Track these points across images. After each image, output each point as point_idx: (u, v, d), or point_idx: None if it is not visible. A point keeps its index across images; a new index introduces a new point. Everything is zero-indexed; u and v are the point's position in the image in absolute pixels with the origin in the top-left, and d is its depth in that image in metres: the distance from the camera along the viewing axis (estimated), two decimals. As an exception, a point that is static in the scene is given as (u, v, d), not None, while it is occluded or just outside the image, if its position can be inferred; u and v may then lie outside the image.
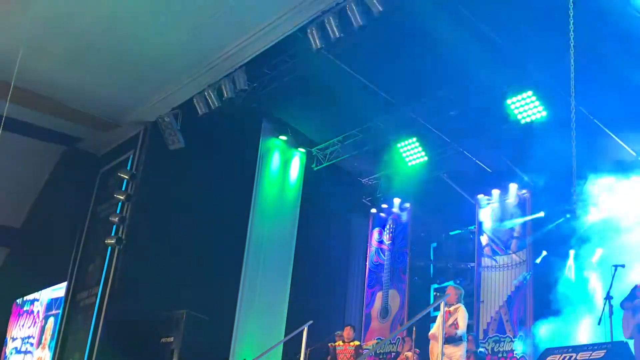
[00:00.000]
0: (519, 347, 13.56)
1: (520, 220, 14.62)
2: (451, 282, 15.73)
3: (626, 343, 6.56)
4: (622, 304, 8.68)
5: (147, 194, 14.05)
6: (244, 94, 13.06)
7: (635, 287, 8.90)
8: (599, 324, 8.32)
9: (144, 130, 14.59)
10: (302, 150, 16.48)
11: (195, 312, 12.97)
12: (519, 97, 12.89)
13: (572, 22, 9.20)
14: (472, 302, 14.41)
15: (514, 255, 14.64)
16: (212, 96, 13.01)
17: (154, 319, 12.80)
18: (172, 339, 12.87)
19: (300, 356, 9.16)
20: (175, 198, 13.82)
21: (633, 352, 6.28)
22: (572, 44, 9.43)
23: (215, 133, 14.17)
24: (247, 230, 15.09)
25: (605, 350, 6.08)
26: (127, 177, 14.14)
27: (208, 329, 13.17)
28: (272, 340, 14.14)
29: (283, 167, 16.33)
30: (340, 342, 11.60)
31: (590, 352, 6.13)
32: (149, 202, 13.97)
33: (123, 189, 14.20)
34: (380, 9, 10.22)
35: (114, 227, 13.83)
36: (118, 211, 14.14)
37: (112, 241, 13.58)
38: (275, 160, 16.19)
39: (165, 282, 13.06)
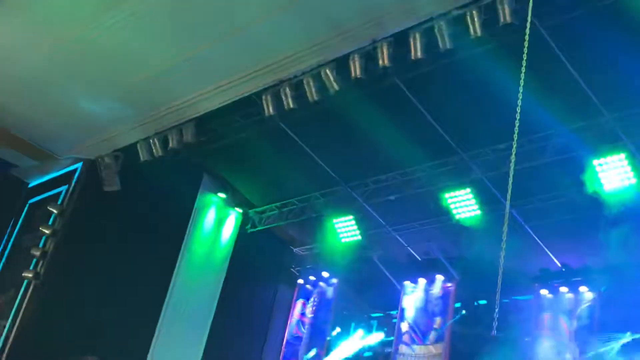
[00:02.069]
0: None
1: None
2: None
3: None
4: None
5: (73, 231, 13.69)
6: (189, 146, 12.97)
7: None
8: None
9: (81, 167, 14.30)
10: (239, 210, 16.39)
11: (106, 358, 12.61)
12: (457, 193, 13.17)
13: (516, 132, 9.58)
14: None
15: (431, 347, 14.69)
16: (157, 144, 12.93)
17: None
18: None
19: None
20: (102, 240, 13.53)
21: None
22: (513, 151, 9.82)
23: (153, 180, 13.94)
24: (170, 284, 14.80)
25: None
26: (56, 211, 13.77)
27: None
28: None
29: (217, 224, 16.19)
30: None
31: None
32: (74, 240, 13.61)
33: (50, 223, 13.80)
34: (337, 88, 10.42)
35: (34, 260, 13.38)
36: (41, 245, 13.69)
37: (30, 275, 13.12)
38: (210, 216, 16.05)
39: (79, 325, 12.67)
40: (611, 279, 12.45)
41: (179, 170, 14.06)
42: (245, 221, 16.54)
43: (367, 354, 16.81)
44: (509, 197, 11.03)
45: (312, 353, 16.16)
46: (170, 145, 12.74)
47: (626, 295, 12.25)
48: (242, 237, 16.32)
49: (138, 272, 13.62)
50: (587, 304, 13.22)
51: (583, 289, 13.39)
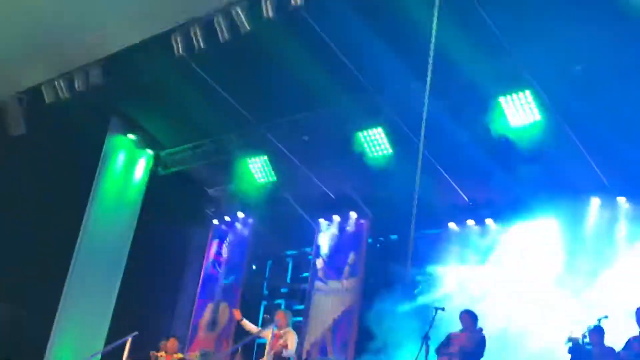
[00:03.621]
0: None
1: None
2: (282, 305, 16.04)
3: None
4: (437, 350, 9.15)
5: (-23, 177, 13.20)
6: (96, 88, 12.61)
7: (449, 335, 9.40)
8: (414, 364, 8.80)
9: (-17, 111, 13.73)
10: (150, 152, 16.13)
11: (14, 305, 12.37)
12: (369, 132, 13.36)
13: (430, 66, 9.74)
14: (301, 323, 14.80)
15: (345, 282, 15.07)
16: (63, 86, 12.50)
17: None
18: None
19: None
20: (8, 185, 13.08)
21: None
22: (427, 88, 10.01)
23: (60, 123, 13.52)
24: (81, 227, 14.56)
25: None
26: (-42, 156, 13.23)
27: (25, 325, 12.59)
28: (93, 343, 13.73)
29: (128, 166, 15.90)
30: (163, 353, 11.40)
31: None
32: (-21, 185, 13.14)
33: (-49, 169, 13.26)
34: (248, 28, 10.30)
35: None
36: (-56, 190, 13.18)
37: None
38: (120, 158, 15.74)
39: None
40: (516, 213, 12.99)
41: (86, 112, 13.69)
42: (157, 163, 16.29)
43: (283, 289, 17.12)
44: (422, 133, 11.38)
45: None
46: (77, 87, 12.34)
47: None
48: (154, 179, 16.10)
49: (47, 217, 13.28)
50: (493, 237, 13.81)
51: (489, 221, 13.97)
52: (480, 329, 9.19)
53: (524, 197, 12.41)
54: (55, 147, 13.59)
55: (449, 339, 9.30)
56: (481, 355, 9.05)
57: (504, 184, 12.65)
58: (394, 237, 15.35)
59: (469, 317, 9.45)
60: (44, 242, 13.26)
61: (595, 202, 12.74)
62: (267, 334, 8.10)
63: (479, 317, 9.56)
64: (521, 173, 11.96)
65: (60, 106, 12.85)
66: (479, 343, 9.08)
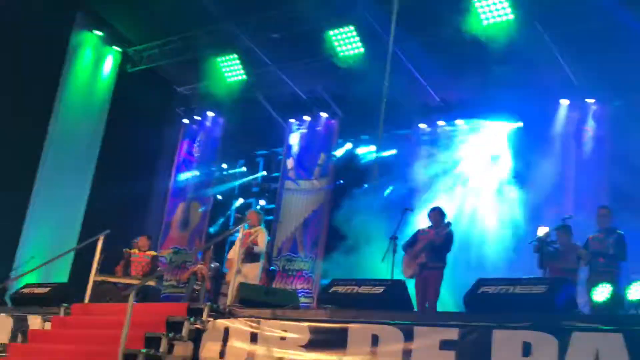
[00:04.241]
0: (307, 267, 14.30)
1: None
2: (253, 204, 16.21)
3: (404, 282, 7.17)
4: (403, 247, 9.29)
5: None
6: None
7: (417, 232, 9.54)
8: (382, 260, 9.00)
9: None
10: (118, 49, 15.78)
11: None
12: (340, 30, 13.19)
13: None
14: (272, 222, 15.04)
15: (315, 181, 15.22)
16: (25, -21, 12.04)
17: None
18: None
19: (93, 263, 9.01)
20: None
21: (409, 291, 6.89)
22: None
23: (23, 19, 13.10)
24: (49, 124, 14.33)
25: (384, 287, 6.65)
26: None
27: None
28: (65, 239, 13.82)
29: (95, 64, 15.55)
30: (136, 251, 11.53)
31: (372, 287, 6.67)
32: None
33: None
34: None
35: None
36: None
37: None
38: (87, 55, 15.37)
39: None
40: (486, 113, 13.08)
41: (49, 8, 13.24)
42: (125, 60, 15.96)
43: (254, 189, 17.26)
44: (392, 32, 11.28)
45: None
46: (39, -21, 11.91)
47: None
48: (122, 77, 15.79)
49: (13, 115, 13.05)
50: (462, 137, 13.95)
51: (459, 122, 14.05)
52: (449, 224, 9.29)
53: (494, 97, 12.44)
54: (19, 45, 13.17)
55: (416, 236, 9.44)
56: (448, 249, 9.21)
57: (475, 84, 12.67)
58: (364, 137, 15.41)
59: (437, 214, 9.52)
60: (11, 142, 13.08)
61: (564, 103, 12.87)
62: (239, 232, 8.19)
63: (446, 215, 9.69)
64: (492, 73, 11.95)
65: (22, 1, 12.39)
66: (447, 237, 9.19)
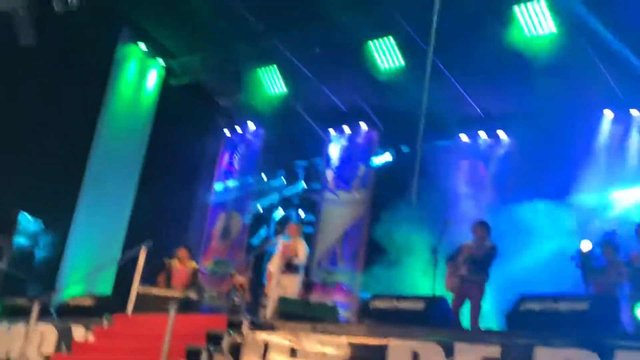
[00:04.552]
0: (347, 279, 14.27)
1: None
2: (293, 216, 16.24)
3: (445, 298, 7.11)
4: (446, 260, 9.11)
5: (-11, 87, 13.18)
6: (106, -4, 12.44)
7: (461, 245, 9.31)
8: (423, 274, 8.92)
9: (-7, 20, 13.54)
10: (162, 62, 16.02)
11: (30, 213, 12.58)
12: (381, 42, 13.22)
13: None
14: (312, 233, 15.07)
15: (355, 193, 15.20)
16: (72, -5, 12.28)
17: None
18: (1, 239, 12.45)
19: (135, 275, 9.14)
20: (20, 95, 13.03)
21: (450, 306, 6.82)
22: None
23: (71, 33, 13.36)
24: (94, 137, 14.62)
25: (425, 302, 6.60)
26: (-32, 66, 13.16)
27: (41, 234, 12.84)
28: (109, 250, 14.03)
29: (139, 76, 15.83)
30: (177, 261, 11.63)
31: (412, 302, 6.63)
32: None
33: (-37, 78, 13.22)
34: None
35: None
36: (-44, 101, 13.18)
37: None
38: (131, 68, 15.65)
39: (3, 181, 12.45)
40: (529, 125, 12.91)
41: (97, 22, 13.50)
42: (168, 73, 16.21)
43: (294, 200, 17.29)
44: (432, 42, 11.21)
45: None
46: (85, -5, 12.14)
47: (542, 142, 12.74)
48: (166, 89, 16.06)
49: (60, 128, 13.29)
50: (505, 150, 13.80)
51: (501, 134, 13.93)
52: (493, 243, 9.09)
53: (536, 109, 12.30)
54: (66, 57, 13.45)
55: (460, 249, 9.22)
56: (489, 264, 8.97)
57: (516, 95, 12.55)
58: (404, 148, 15.34)
59: (482, 228, 9.28)
60: (58, 154, 13.34)
61: (608, 114, 12.66)
62: (278, 244, 8.24)
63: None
64: (534, 85, 11.81)
65: (70, 16, 12.64)
66: (489, 251, 8.99)
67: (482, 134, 14.25)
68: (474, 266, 8.89)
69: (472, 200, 13.45)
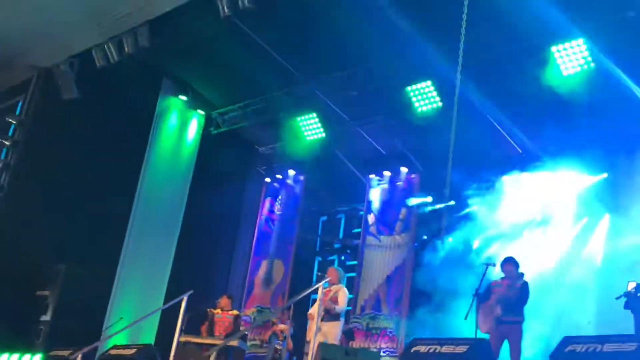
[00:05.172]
0: (391, 325, 14.07)
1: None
2: (335, 262, 16.15)
3: (488, 340, 6.93)
4: (477, 301, 8.76)
5: (35, 142, 13.59)
6: (146, 50, 12.74)
7: (490, 283, 9.12)
8: (465, 318, 8.73)
9: (37, 76, 14.00)
10: (202, 112, 16.31)
11: (76, 267, 12.75)
12: (419, 85, 13.25)
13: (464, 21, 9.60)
14: (353, 279, 14.95)
15: (397, 237, 15.08)
16: (112, 49, 12.67)
17: (30, 270, 12.46)
18: (47, 292, 12.63)
19: (177, 324, 9.16)
20: (64, 149, 13.39)
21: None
22: (462, 40, 9.86)
23: (112, 87, 13.69)
24: (137, 189, 14.87)
25: (468, 346, 6.45)
26: (15, 122, 13.60)
27: (87, 285, 12.99)
28: (152, 300, 14.12)
29: (180, 127, 16.13)
30: (220, 310, 11.63)
31: (454, 346, 6.48)
32: (36, 150, 13.52)
33: (10, 134, 13.64)
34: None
35: (-3, 173, 13.30)
36: (2, 157, 13.58)
37: (-7, 188, 13.09)
38: (172, 120, 15.96)
39: (46, 234, 12.70)
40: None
41: (137, 75, 13.86)
42: (208, 123, 16.49)
43: (336, 245, 17.21)
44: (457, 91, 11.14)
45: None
46: (126, 50, 12.50)
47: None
48: (206, 139, 16.31)
49: (103, 181, 13.57)
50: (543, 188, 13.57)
51: (541, 172, 13.70)
52: (522, 275, 8.89)
53: (577, 147, 12.12)
54: (108, 110, 13.80)
55: (489, 289, 9.03)
56: (525, 302, 8.76)
57: (556, 134, 12.40)
58: (445, 191, 15.18)
59: (510, 265, 9.14)
60: (102, 205, 13.56)
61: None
62: (319, 290, 8.17)
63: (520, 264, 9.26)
64: (574, 123, 11.69)
65: (111, 70, 13.02)
66: (522, 290, 8.79)
67: (523, 174, 14.00)
68: (509, 306, 8.67)
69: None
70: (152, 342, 13.10)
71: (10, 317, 11.95)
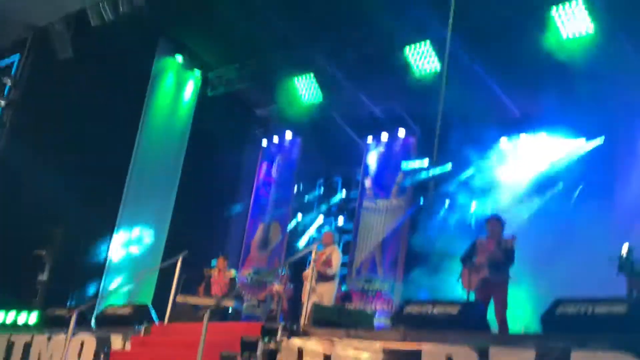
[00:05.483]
0: (387, 287, 14.14)
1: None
2: (332, 224, 16.19)
3: (480, 301, 6.93)
4: (462, 259, 8.59)
5: (30, 102, 13.50)
6: (141, 9, 12.58)
7: (475, 241, 8.72)
8: (457, 280, 8.65)
9: (32, 36, 13.85)
10: (198, 72, 16.18)
11: (72, 228, 12.76)
12: (417, 46, 13.12)
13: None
14: (351, 241, 15.02)
15: (394, 200, 15.08)
16: (108, 9, 12.51)
17: (27, 231, 12.47)
18: (44, 252, 12.66)
19: (173, 283, 9.19)
20: (60, 109, 13.29)
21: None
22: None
23: (108, 46, 13.55)
24: (133, 151, 14.82)
25: (459, 307, 6.46)
26: (10, 82, 13.49)
27: (83, 246, 13.01)
28: (150, 262, 14.17)
29: (176, 87, 16.03)
30: (217, 271, 11.68)
31: (446, 307, 6.50)
32: (32, 110, 13.43)
33: (5, 94, 13.54)
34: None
35: (-9, 131, 13.25)
36: (-3, 116, 13.52)
37: (-12, 147, 13.04)
38: (169, 80, 15.85)
39: (43, 196, 12.66)
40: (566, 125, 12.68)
41: (133, 34, 13.67)
42: (205, 84, 16.37)
43: (332, 208, 17.24)
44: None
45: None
46: (121, 9, 12.35)
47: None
48: (203, 100, 16.22)
49: (99, 141, 13.49)
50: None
51: (540, 135, 13.66)
52: (514, 237, 8.58)
53: (575, 112, 12.05)
54: (104, 70, 13.65)
55: (474, 247, 8.67)
56: (511, 263, 8.42)
57: (555, 98, 12.31)
58: (442, 154, 15.12)
59: (497, 223, 8.71)
60: (98, 167, 13.48)
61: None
62: (312, 253, 8.16)
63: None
64: (572, 87, 11.58)
65: (107, 29, 12.87)
66: (509, 252, 8.41)
67: (522, 136, 13.96)
68: (495, 268, 8.35)
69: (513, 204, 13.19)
70: (150, 303, 13.15)
71: (7, 276, 11.98)
